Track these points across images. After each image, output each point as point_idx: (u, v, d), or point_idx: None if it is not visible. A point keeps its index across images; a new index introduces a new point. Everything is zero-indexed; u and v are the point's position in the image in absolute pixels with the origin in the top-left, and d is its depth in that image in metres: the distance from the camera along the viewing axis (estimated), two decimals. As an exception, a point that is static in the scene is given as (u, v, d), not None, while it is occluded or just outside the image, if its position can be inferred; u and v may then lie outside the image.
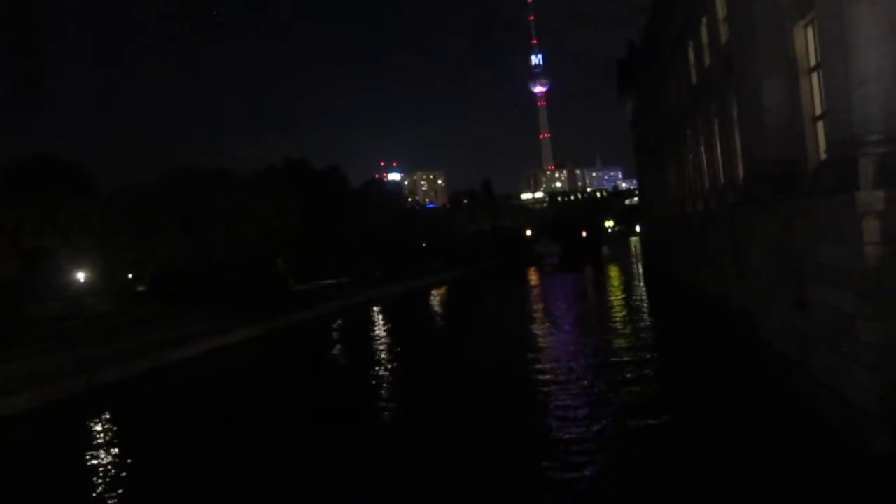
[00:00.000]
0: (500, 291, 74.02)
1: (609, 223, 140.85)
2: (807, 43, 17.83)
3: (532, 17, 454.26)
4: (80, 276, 52.06)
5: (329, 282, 76.65)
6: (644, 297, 51.65)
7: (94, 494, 17.18)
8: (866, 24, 13.28)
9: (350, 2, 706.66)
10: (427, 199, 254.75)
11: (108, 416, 26.21)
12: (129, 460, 20.15)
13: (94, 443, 22.54)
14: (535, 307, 53.00)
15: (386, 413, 23.60)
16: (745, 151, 23.79)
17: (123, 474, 18.72)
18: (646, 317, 40.51)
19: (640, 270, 73.35)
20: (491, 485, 15.32)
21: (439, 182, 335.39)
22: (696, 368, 24.41)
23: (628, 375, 24.35)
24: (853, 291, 13.19)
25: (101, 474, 18.81)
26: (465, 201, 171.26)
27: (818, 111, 17.49)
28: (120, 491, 17.26)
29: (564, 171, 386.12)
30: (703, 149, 34.43)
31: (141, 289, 64.87)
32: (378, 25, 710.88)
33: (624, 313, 42.27)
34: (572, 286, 69.27)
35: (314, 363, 35.95)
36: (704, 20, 30.19)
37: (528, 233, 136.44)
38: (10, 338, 37.11)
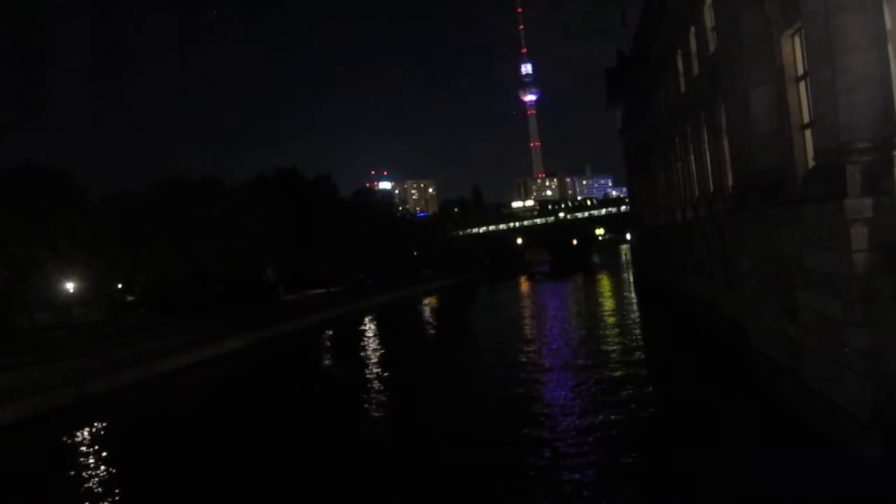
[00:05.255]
0: (490, 300, 74.06)
1: (599, 231, 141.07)
2: (794, 51, 17.96)
3: (521, 27, 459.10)
4: (69, 286, 51.63)
5: (319, 291, 76.45)
6: (634, 305, 51.72)
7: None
8: (852, 33, 13.40)
9: (340, 12, 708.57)
10: (418, 208, 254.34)
11: (93, 429, 25.94)
12: (110, 475, 19.88)
13: (76, 456, 22.19)
14: (526, 315, 53.02)
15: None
16: (734, 160, 23.91)
17: (101, 489, 18.46)
18: (636, 325, 40.50)
19: (631, 278, 73.49)
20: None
21: (430, 191, 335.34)
22: (687, 376, 24.43)
23: (621, 390, 23.81)
24: (842, 298, 13.25)
25: (79, 489, 18.59)
26: (456, 210, 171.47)
27: (806, 119, 17.59)
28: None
29: (555, 180, 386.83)
30: (692, 157, 34.59)
31: (130, 299, 64.49)
32: (368, 35, 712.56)
33: (613, 321, 42.30)
34: (563, 294, 69.32)
35: (300, 377, 35.47)
36: (693, 29, 30.39)
37: (519, 241, 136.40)
38: (-3, 349, 36.73)
